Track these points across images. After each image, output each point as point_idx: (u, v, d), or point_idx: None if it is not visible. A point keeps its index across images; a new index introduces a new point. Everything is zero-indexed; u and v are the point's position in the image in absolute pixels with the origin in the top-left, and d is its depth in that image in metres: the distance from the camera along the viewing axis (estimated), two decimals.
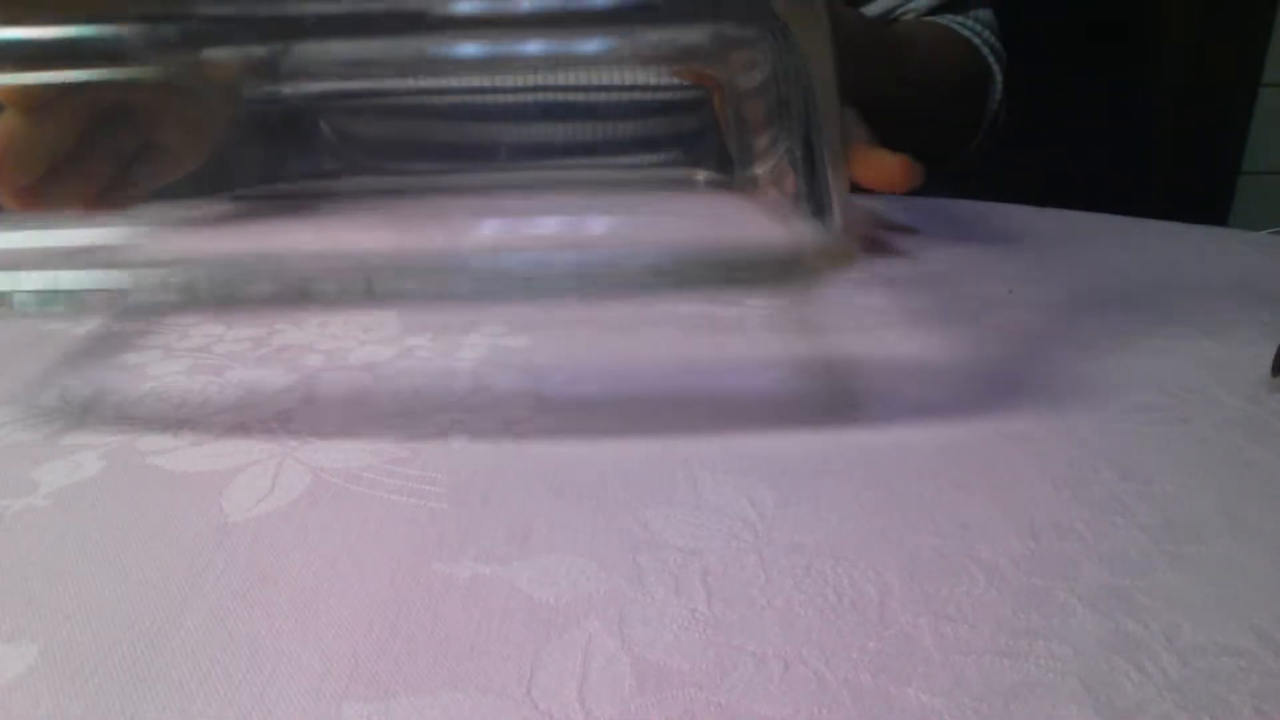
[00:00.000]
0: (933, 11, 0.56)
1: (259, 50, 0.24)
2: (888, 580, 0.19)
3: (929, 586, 0.19)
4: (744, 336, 0.32)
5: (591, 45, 0.23)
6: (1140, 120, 1.23)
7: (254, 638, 0.18)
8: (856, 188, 0.35)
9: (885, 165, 0.35)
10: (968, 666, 0.17)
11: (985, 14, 0.57)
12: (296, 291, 0.23)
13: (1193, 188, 1.30)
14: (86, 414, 0.27)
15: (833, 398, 0.27)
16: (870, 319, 0.33)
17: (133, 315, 0.34)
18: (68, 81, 0.25)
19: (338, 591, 0.19)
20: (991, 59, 0.56)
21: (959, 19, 0.56)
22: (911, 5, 0.55)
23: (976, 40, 0.56)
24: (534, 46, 0.24)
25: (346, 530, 0.21)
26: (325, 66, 0.25)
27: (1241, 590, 0.19)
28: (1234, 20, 1.24)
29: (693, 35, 0.25)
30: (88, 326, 0.33)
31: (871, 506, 0.22)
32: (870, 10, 0.56)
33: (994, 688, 0.16)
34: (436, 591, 0.19)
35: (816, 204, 0.23)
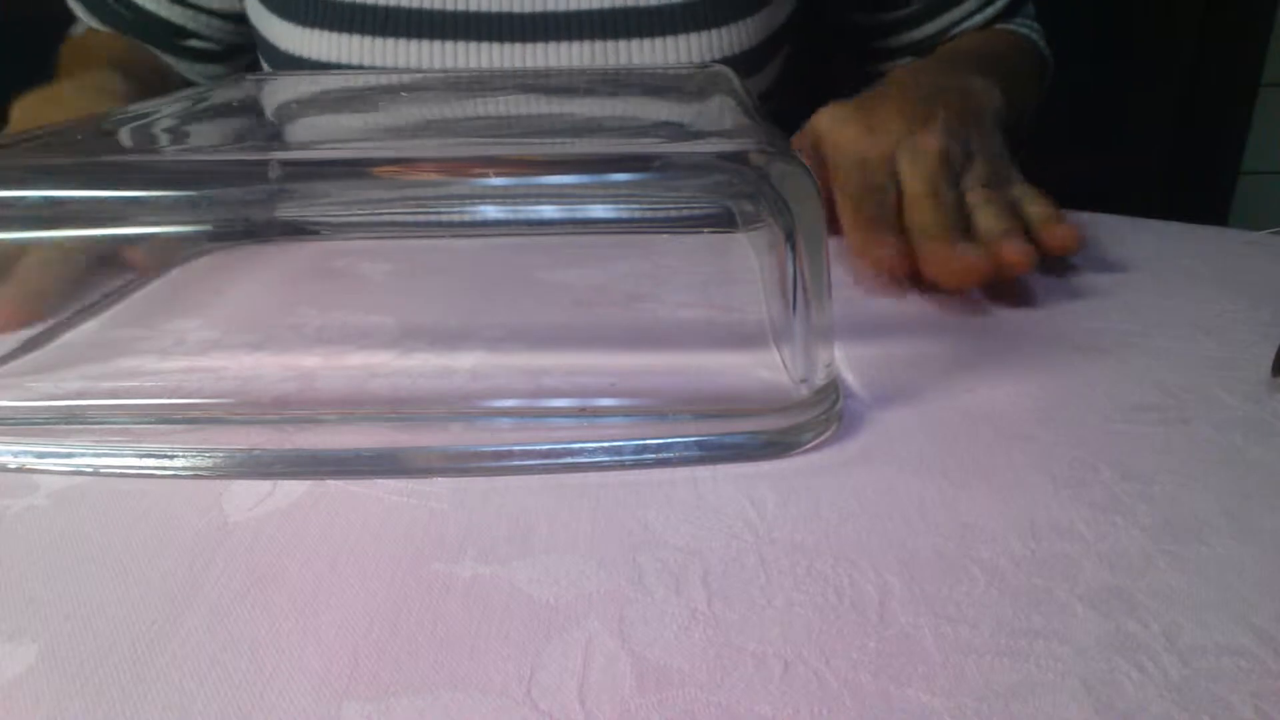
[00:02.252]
0: (988, 23, 0.58)
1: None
2: (888, 580, 0.19)
3: (929, 586, 0.19)
4: (745, 339, 0.32)
5: (601, 211, 0.25)
6: (1140, 120, 1.23)
7: (254, 638, 0.18)
8: None
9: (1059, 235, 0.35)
10: (968, 666, 0.17)
11: (1029, 9, 0.60)
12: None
13: (1193, 188, 1.30)
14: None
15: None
16: (870, 319, 0.33)
17: (132, 317, 0.34)
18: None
19: (338, 591, 0.19)
20: (1045, 48, 0.59)
21: (1012, 24, 0.59)
22: (967, 24, 0.58)
23: (1034, 36, 0.59)
24: (548, 211, 0.26)
25: (346, 530, 0.21)
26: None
27: (1241, 590, 0.19)
28: (1234, 20, 1.24)
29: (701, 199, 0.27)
30: (85, 327, 0.33)
31: (871, 506, 0.22)
32: (923, 32, 0.58)
33: (994, 688, 0.16)
34: (436, 591, 0.19)
35: (801, 365, 0.25)
